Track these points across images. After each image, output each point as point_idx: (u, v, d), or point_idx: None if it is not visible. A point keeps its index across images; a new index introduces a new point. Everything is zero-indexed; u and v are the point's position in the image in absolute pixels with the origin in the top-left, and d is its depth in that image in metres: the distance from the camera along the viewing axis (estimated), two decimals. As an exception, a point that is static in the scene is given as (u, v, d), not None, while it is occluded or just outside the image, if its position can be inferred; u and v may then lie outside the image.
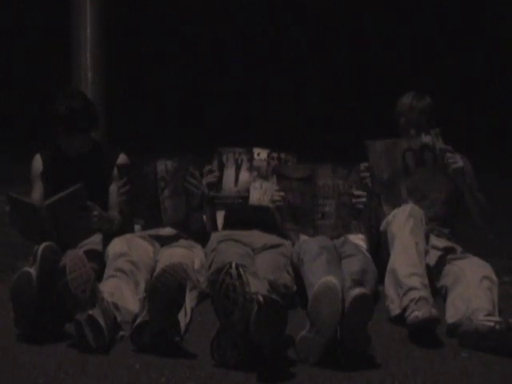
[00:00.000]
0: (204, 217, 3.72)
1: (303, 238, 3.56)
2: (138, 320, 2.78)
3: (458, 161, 3.35)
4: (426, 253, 3.29)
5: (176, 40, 11.36)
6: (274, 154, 3.67)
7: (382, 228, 3.45)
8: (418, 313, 2.88)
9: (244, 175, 3.68)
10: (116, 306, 2.89)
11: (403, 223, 3.23)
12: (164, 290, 2.69)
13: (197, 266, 3.34)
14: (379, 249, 3.53)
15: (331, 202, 3.49)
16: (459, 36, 11.04)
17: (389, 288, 3.11)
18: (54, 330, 2.94)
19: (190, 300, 3.09)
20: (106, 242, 3.39)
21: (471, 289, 3.06)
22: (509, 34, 10.88)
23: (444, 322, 3.04)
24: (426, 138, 3.41)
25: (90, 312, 2.75)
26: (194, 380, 2.56)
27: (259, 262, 3.38)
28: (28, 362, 2.70)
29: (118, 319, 2.88)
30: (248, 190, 3.65)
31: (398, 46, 11.19)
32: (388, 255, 3.26)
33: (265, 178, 3.66)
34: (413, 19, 11.27)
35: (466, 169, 3.56)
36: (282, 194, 3.50)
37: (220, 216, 3.82)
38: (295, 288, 3.35)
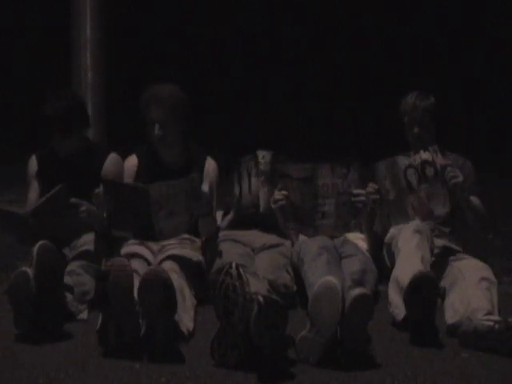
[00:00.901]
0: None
1: (303, 238, 3.56)
2: (143, 329, 2.78)
3: (458, 175, 3.39)
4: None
5: (176, 40, 11.36)
6: (279, 157, 3.72)
7: (386, 240, 3.46)
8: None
9: (254, 182, 3.75)
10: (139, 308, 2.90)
11: (409, 238, 3.24)
12: (151, 293, 2.70)
13: (196, 260, 3.33)
14: (380, 251, 3.54)
15: (331, 201, 3.50)
16: (459, 36, 11.04)
17: (393, 295, 3.11)
18: (54, 330, 2.94)
19: (190, 296, 3.10)
20: (100, 240, 3.39)
21: (470, 289, 3.07)
22: (509, 34, 10.87)
23: (444, 323, 3.04)
24: (425, 155, 3.43)
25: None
26: (194, 380, 2.56)
27: (259, 261, 3.39)
28: (28, 361, 2.70)
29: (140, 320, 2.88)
30: (258, 197, 3.70)
31: (398, 46, 11.18)
32: (389, 267, 3.28)
33: (271, 182, 3.70)
34: (413, 19, 11.27)
35: (468, 173, 3.57)
36: (284, 192, 3.50)
37: (219, 215, 3.82)
38: (295, 288, 3.35)
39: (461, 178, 3.38)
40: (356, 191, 3.48)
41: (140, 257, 3.25)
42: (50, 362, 2.70)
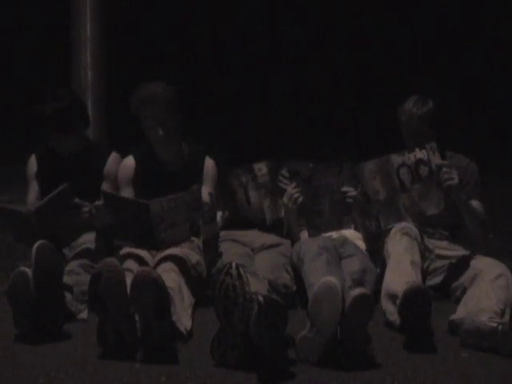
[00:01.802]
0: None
1: (303, 237, 3.57)
2: (139, 331, 2.78)
3: (453, 177, 3.26)
4: (428, 266, 3.32)
5: (176, 40, 11.36)
6: (271, 164, 3.68)
7: (378, 244, 3.46)
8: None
9: (254, 196, 3.70)
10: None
11: (398, 241, 3.23)
12: (143, 295, 2.70)
13: (194, 260, 3.33)
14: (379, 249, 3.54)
15: (325, 200, 3.52)
16: (459, 36, 11.04)
17: (385, 303, 3.10)
18: (54, 330, 2.94)
19: (188, 295, 3.10)
20: (100, 239, 3.40)
21: (484, 288, 3.05)
22: (509, 33, 10.87)
23: (444, 322, 3.04)
24: (421, 153, 3.32)
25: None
26: (194, 380, 2.56)
27: (258, 261, 3.39)
28: (28, 361, 2.70)
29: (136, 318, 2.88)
30: (262, 211, 3.66)
31: (398, 45, 11.18)
32: (383, 271, 3.28)
33: (272, 192, 3.67)
34: (413, 19, 11.27)
35: (472, 175, 3.54)
36: (299, 189, 3.51)
37: (218, 215, 3.82)
38: (295, 287, 3.35)
39: (456, 181, 3.25)
40: (345, 188, 3.49)
41: (136, 257, 3.25)
42: (49, 361, 2.70)
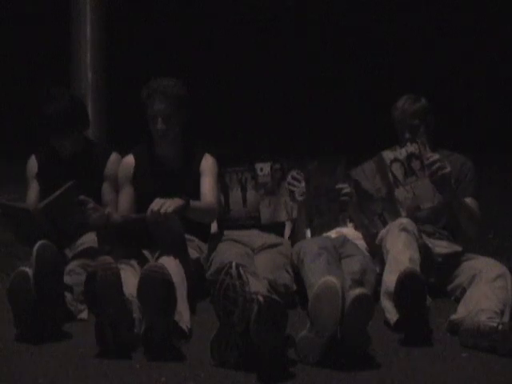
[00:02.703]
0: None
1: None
2: (143, 327, 2.78)
3: (445, 166, 3.29)
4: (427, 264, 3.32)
5: (176, 40, 11.35)
6: (277, 165, 3.68)
7: (377, 241, 3.45)
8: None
9: (251, 194, 3.69)
10: (132, 303, 2.89)
11: (396, 237, 3.23)
12: (151, 291, 2.70)
13: (194, 256, 3.33)
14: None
15: (323, 199, 3.53)
16: (459, 35, 11.04)
17: (384, 300, 3.11)
18: (54, 330, 2.94)
19: (186, 294, 3.09)
20: (101, 239, 3.39)
21: (483, 288, 3.05)
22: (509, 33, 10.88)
23: (443, 322, 3.04)
24: (412, 147, 3.36)
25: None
26: (194, 380, 2.56)
27: (258, 261, 3.39)
28: (28, 361, 2.70)
29: (134, 315, 2.88)
30: (258, 210, 3.66)
31: (398, 45, 11.18)
32: (382, 268, 3.28)
33: (272, 193, 3.66)
34: (413, 19, 11.27)
35: (467, 172, 3.56)
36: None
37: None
38: (295, 287, 3.35)
39: (448, 169, 3.28)
40: (338, 186, 3.51)
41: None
42: (49, 361, 2.70)
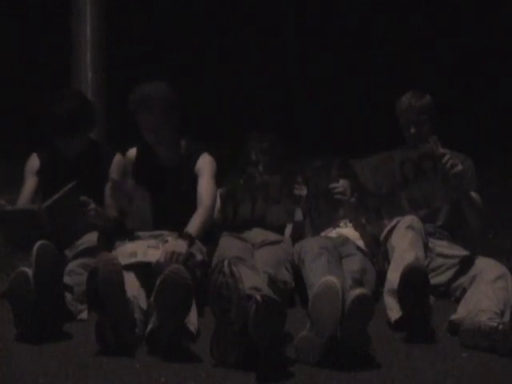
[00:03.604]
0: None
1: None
2: (150, 327, 2.78)
3: (457, 163, 3.29)
4: (428, 263, 3.32)
5: (176, 40, 11.35)
6: (289, 178, 3.67)
7: (381, 238, 3.45)
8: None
9: (260, 207, 3.68)
10: (134, 304, 2.90)
11: (402, 235, 3.23)
12: (171, 293, 2.70)
13: (199, 257, 3.33)
14: (378, 248, 3.54)
15: (324, 200, 3.55)
16: (459, 35, 11.04)
17: (387, 297, 3.11)
18: (54, 330, 2.94)
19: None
20: (102, 239, 3.40)
21: (484, 288, 3.06)
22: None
23: (444, 322, 3.04)
24: (425, 147, 3.35)
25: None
26: (194, 380, 2.56)
27: (259, 256, 3.38)
28: (28, 361, 2.70)
29: (135, 315, 2.88)
30: (264, 216, 3.67)
31: (398, 45, 11.18)
32: (386, 264, 3.28)
33: (278, 201, 3.66)
34: (413, 19, 11.27)
35: (468, 169, 3.57)
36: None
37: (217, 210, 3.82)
38: (293, 284, 3.35)
39: (460, 167, 3.28)
40: (332, 185, 3.54)
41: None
42: (49, 362, 2.70)
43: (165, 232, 3.43)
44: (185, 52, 11.38)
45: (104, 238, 3.42)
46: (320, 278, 2.77)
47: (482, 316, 2.88)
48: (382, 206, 3.47)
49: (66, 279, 3.15)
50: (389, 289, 3.11)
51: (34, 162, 3.69)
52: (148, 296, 3.01)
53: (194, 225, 3.32)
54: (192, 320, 2.89)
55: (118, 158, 3.68)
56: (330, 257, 3.17)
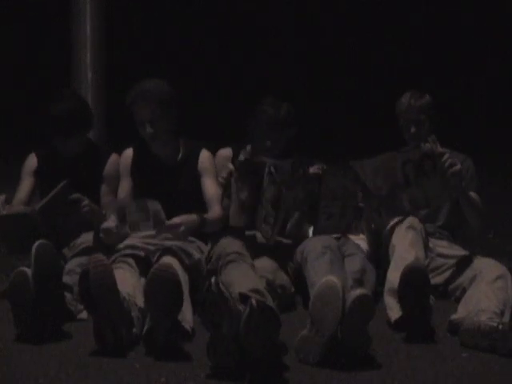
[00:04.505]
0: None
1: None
2: (145, 327, 2.77)
3: (456, 163, 3.30)
4: (428, 264, 3.32)
5: (176, 40, 11.36)
6: (298, 164, 3.46)
7: (384, 233, 3.45)
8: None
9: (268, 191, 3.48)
10: (129, 302, 2.89)
11: (403, 235, 3.24)
12: (160, 290, 2.69)
13: (196, 257, 3.33)
14: (379, 250, 3.54)
15: (337, 203, 3.51)
16: (459, 35, 11.05)
17: (387, 297, 3.11)
18: (54, 330, 2.94)
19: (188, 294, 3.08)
20: (99, 238, 3.40)
21: (483, 288, 3.06)
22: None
23: (444, 322, 3.04)
24: (425, 147, 3.36)
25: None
26: (194, 380, 2.55)
27: (257, 262, 3.36)
28: (28, 361, 2.70)
29: (132, 314, 2.87)
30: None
31: (398, 46, 11.19)
32: (387, 264, 3.28)
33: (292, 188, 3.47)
34: (413, 19, 11.27)
35: (468, 170, 3.57)
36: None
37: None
38: (293, 290, 3.34)
39: (459, 166, 3.29)
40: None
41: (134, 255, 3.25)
42: (49, 361, 2.70)
43: None
44: (185, 52, 11.38)
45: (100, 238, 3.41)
46: (322, 277, 2.76)
47: (482, 316, 2.88)
48: (382, 208, 3.47)
49: (66, 279, 3.15)
50: (389, 289, 3.11)
51: (31, 161, 3.70)
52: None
53: (209, 217, 3.41)
54: (187, 318, 2.89)
55: (113, 158, 3.68)
56: (333, 256, 3.15)
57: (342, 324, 2.64)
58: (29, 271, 2.88)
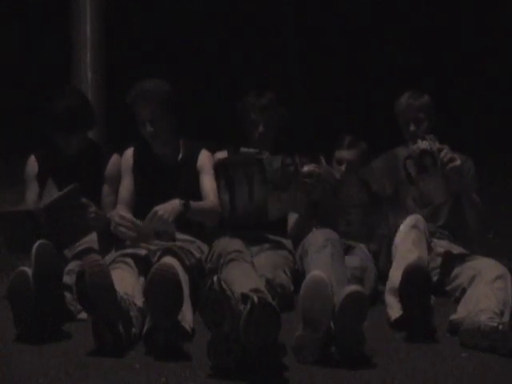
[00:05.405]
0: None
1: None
2: (146, 327, 2.77)
3: (455, 158, 3.30)
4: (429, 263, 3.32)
5: (176, 40, 11.35)
6: (289, 160, 3.45)
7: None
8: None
9: (258, 191, 3.44)
10: (128, 301, 2.89)
11: (406, 235, 3.24)
12: (160, 290, 2.69)
13: (197, 255, 3.33)
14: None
15: (358, 210, 3.52)
16: (459, 35, 11.04)
17: (388, 296, 3.12)
18: (54, 330, 2.93)
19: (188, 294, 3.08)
20: (102, 240, 3.40)
21: (483, 288, 3.06)
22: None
23: (444, 322, 3.04)
24: (423, 144, 3.35)
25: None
26: (194, 380, 2.55)
27: (257, 261, 3.37)
28: (28, 361, 2.70)
29: (131, 313, 2.87)
30: (265, 206, 3.44)
31: (398, 46, 11.19)
32: (388, 262, 3.28)
33: (281, 188, 3.45)
34: (413, 19, 11.27)
35: (469, 171, 3.57)
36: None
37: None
38: (292, 288, 3.34)
39: (458, 162, 3.29)
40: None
41: (134, 256, 3.25)
42: (49, 362, 2.70)
43: None
44: (185, 52, 11.38)
45: (103, 239, 3.42)
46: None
47: (482, 316, 2.88)
48: (389, 211, 3.48)
49: (66, 279, 3.15)
50: (390, 287, 3.11)
51: (32, 165, 3.70)
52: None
53: (196, 203, 3.41)
54: (187, 319, 2.89)
55: (114, 158, 3.69)
56: (334, 250, 3.13)
57: (335, 320, 2.63)
58: (29, 271, 2.88)
